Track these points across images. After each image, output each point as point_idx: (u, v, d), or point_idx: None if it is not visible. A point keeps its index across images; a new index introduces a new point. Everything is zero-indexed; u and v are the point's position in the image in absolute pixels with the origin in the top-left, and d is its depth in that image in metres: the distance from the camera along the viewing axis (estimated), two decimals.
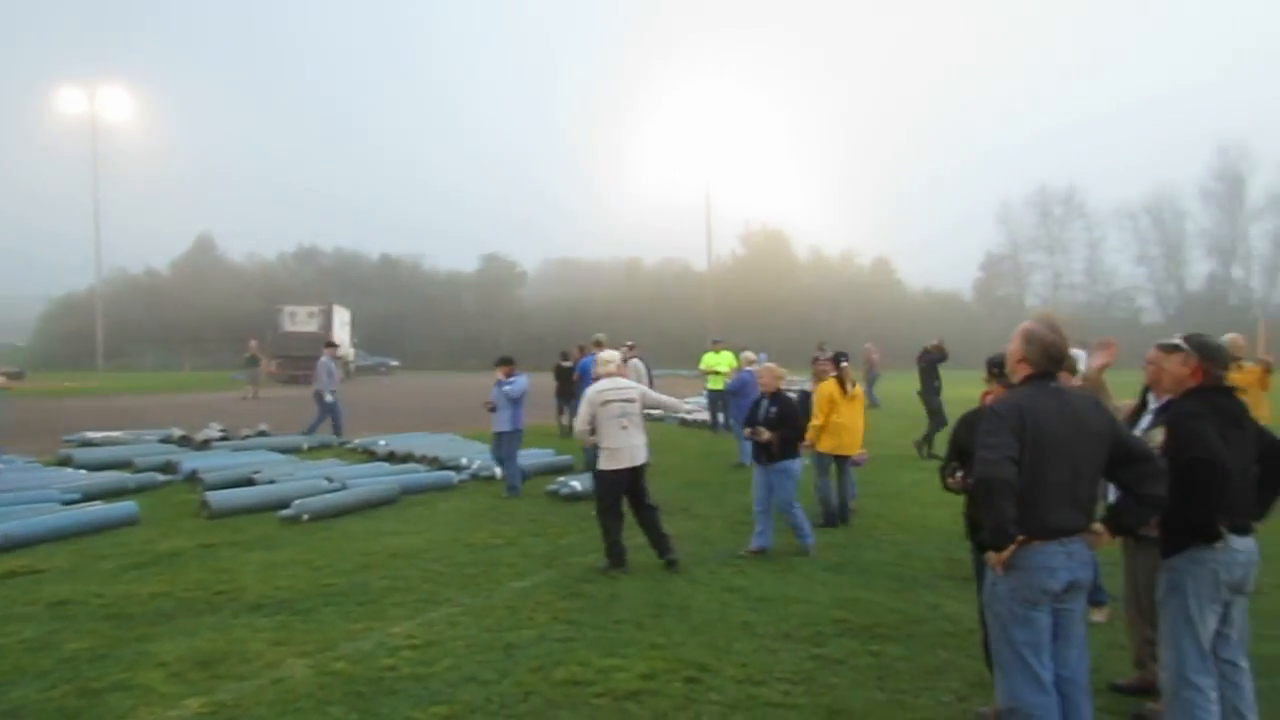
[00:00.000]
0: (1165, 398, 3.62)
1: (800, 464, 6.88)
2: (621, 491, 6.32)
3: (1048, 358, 3.12)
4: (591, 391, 6.48)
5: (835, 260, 70.18)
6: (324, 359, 14.63)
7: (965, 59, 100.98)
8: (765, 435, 6.63)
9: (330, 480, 9.39)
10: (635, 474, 6.34)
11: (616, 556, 6.26)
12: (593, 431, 6.39)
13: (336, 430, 14.12)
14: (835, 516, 7.83)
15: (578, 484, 9.17)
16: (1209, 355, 3.43)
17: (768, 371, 7.12)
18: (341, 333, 37.58)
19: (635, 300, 63.20)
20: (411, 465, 11.06)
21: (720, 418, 15.58)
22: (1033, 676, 2.97)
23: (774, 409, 6.75)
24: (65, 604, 5.46)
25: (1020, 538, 2.89)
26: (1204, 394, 3.40)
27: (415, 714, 3.88)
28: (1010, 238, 67.17)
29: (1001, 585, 3.03)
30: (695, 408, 17.41)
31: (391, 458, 11.83)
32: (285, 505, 8.15)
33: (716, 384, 15.26)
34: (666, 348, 52.70)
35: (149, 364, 53.96)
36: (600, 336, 11.44)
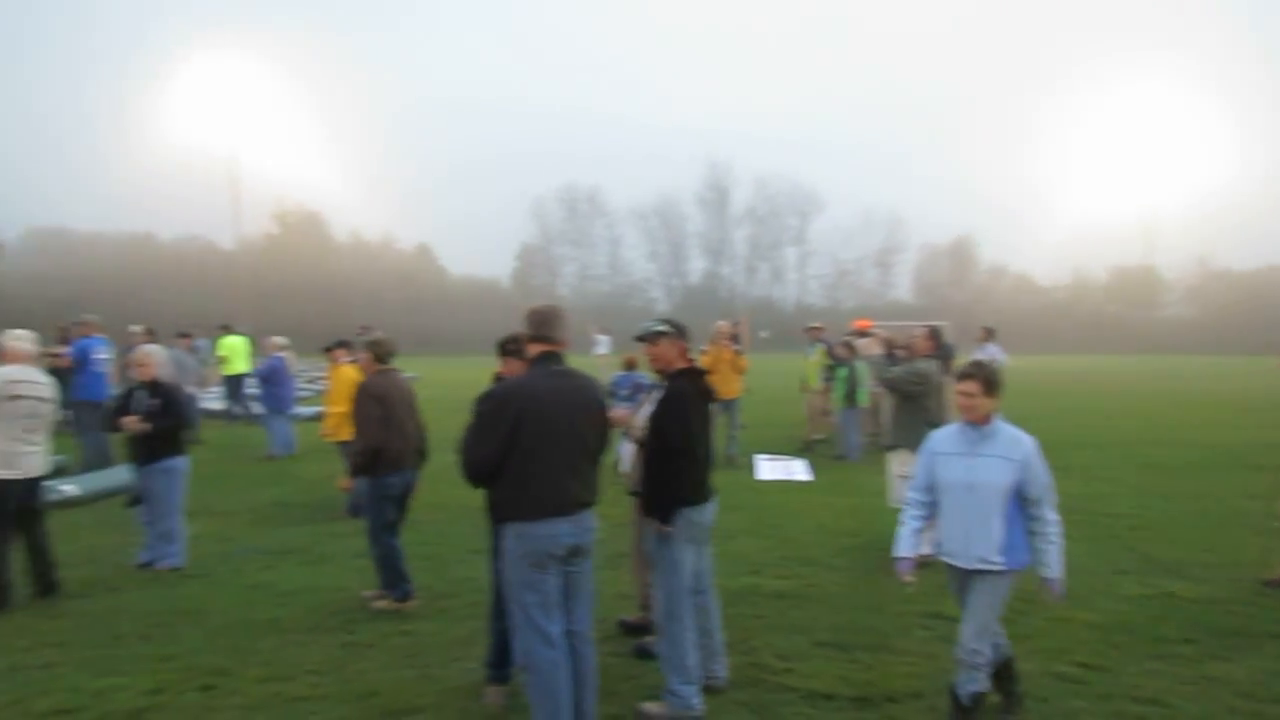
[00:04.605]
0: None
1: (185, 462, 6.12)
2: (14, 506, 5.27)
3: (546, 336, 3.40)
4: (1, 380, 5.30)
5: (376, 244, 68.89)
6: None
7: (500, 55, 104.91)
8: (138, 425, 5.81)
9: None
10: (30, 485, 5.36)
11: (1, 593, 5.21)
12: None
13: None
14: None
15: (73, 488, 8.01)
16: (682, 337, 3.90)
17: (145, 356, 6.08)
18: None
19: (151, 279, 54.96)
20: None
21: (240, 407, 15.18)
22: (541, 634, 3.27)
23: (156, 400, 5.90)
24: None
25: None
26: (689, 375, 3.88)
27: None
28: (543, 230, 72.81)
29: (513, 554, 3.29)
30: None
31: None
32: None
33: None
34: (194, 331, 46.56)
35: None
36: (89, 317, 9.96)
